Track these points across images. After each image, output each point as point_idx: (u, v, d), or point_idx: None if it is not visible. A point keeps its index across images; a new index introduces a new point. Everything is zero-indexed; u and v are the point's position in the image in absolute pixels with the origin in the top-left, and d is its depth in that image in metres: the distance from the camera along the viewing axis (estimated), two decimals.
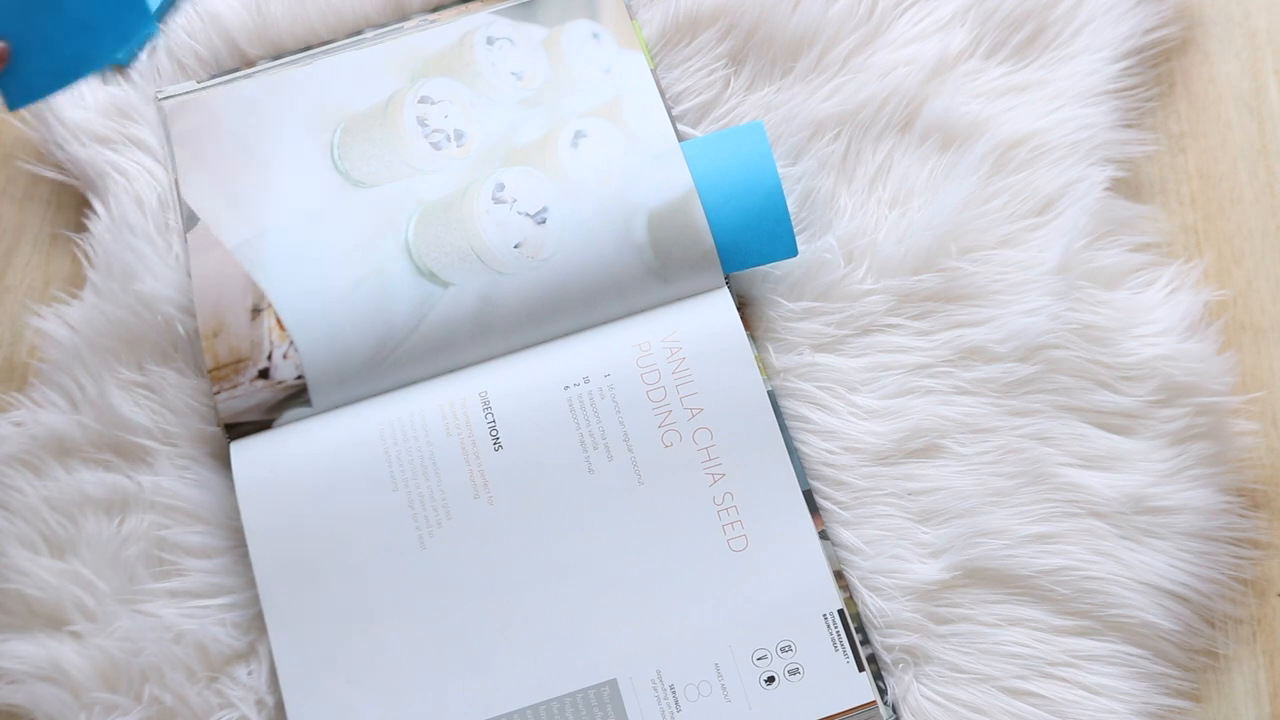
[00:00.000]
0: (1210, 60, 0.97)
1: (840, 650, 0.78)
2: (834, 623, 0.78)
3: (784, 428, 0.84)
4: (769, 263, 0.88)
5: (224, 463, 0.87)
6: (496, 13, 0.97)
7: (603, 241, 0.89)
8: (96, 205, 0.95)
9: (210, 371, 0.87)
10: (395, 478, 0.84)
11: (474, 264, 0.89)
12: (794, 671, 0.77)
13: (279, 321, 0.88)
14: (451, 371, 0.86)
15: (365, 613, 0.80)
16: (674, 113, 0.93)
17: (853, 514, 0.82)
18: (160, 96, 0.97)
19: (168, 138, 0.95)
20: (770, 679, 0.77)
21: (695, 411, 0.84)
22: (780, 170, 0.91)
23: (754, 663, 0.78)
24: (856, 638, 0.78)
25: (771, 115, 0.93)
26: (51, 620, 0.83)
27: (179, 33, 0.99)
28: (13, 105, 0.79)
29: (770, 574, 0.80)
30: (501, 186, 0.91)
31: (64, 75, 0.79)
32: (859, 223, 0.90)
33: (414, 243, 0.90)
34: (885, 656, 0.79)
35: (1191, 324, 0.87)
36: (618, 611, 0.79)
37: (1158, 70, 0.97)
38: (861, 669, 0.77)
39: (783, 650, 0.78)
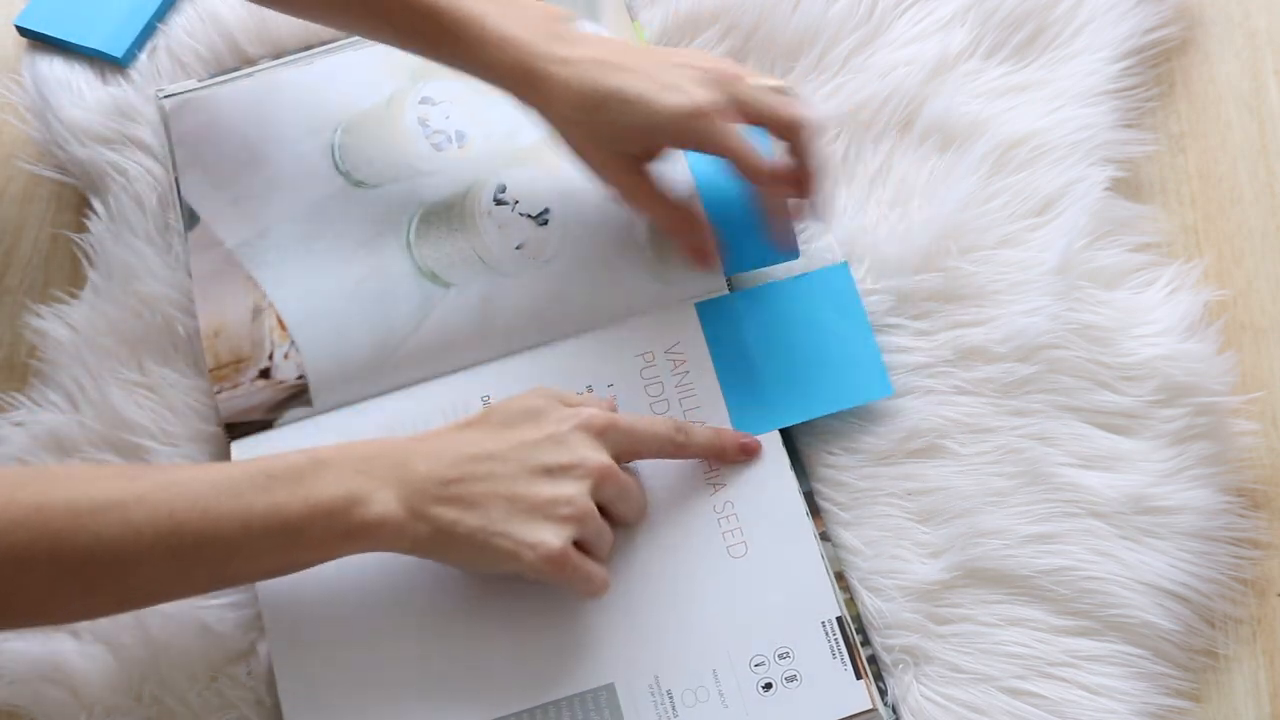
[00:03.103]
0: (1210, 60, 0.97)
1: (838, 658, 0.77)
2: (832, 630, 0.78)
3: (785, 434, 0.84)
4: (770, 264, 0.88)
5: None
6: None
7: (604, 242, 0.89)
8: (96, 205, 0.95)
9: (211, 371, 0.87)
10: None
11: (475, 265, 0.89)
12: (791, 679, 0.77)
13: (280, 321, 0.88)
14: (453, 373, 0.86)
15: (364, 616, 0.80)
16: None
17: (852, 514, 0.82)
18: (161, 96, 0.97)
19: (168, 137, 0.95)
20: (768, 686, 0.77)
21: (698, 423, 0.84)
22: None
23: (751, 669, 0.77)
24: (856, 639, 0.78)
25: None
26: None
27: (179, 33, 0.99)
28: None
29: (769, 581, 0.79)
30: (503, 188, 0.91)
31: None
32: (859, 223, 0.90)
33: (415, 243, 0.90)
34: (885, 657, 0.79)
35: (1191, 324, 0.86)
36: (616, 617, 0.79)
37: (1158, 70, 0.97)
38: (859, 676, 0.77)
39: (780, 657, 0.78)
